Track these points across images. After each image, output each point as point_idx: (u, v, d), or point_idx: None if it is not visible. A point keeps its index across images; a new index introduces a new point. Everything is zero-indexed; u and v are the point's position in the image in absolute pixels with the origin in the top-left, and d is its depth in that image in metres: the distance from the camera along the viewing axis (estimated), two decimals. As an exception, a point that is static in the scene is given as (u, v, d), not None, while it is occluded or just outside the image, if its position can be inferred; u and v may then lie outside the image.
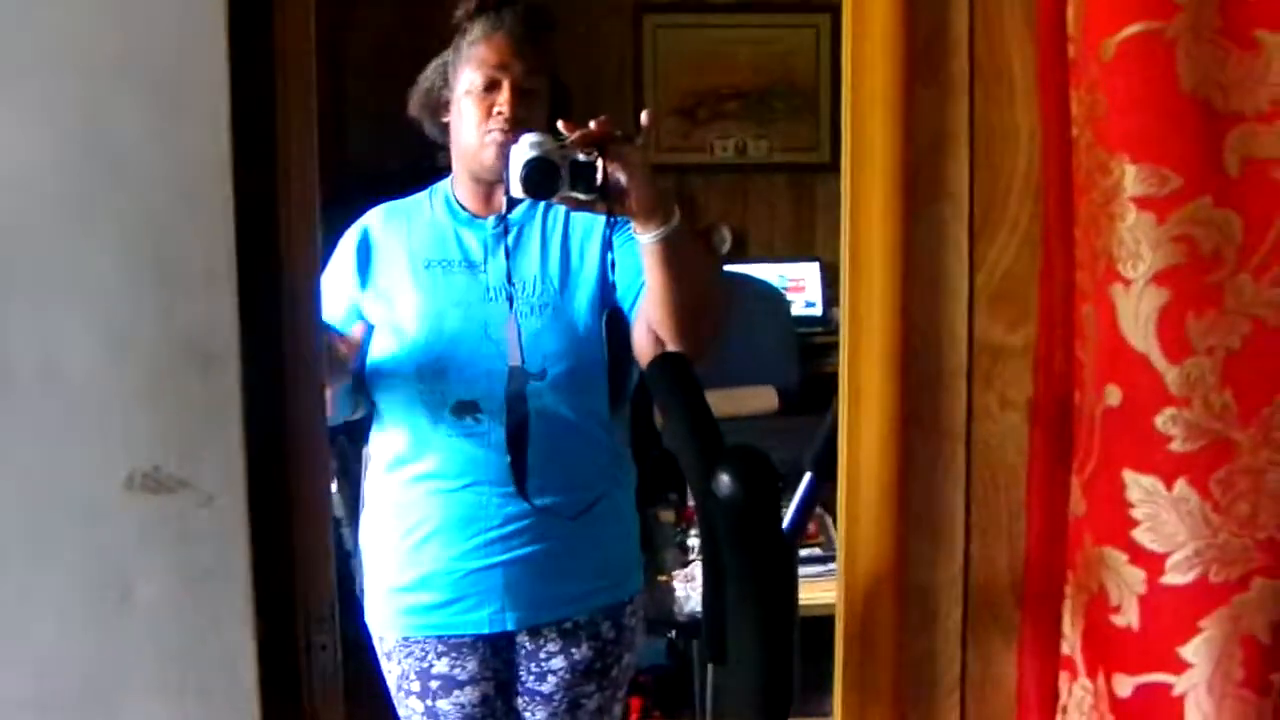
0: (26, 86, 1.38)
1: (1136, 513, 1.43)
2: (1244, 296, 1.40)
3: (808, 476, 1.86)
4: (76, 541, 1.44)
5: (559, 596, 2.60)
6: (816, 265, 6.17)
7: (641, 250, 2.35)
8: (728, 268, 5.77)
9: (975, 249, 1.56)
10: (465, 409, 2.52)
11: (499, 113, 2.48)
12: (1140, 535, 1.44)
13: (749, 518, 1.30)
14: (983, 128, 1.55)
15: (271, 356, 1.51)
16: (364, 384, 2.59)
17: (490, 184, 2.54)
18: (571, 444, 2.56)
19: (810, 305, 6.12)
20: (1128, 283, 1.40)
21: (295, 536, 1.56)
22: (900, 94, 1.51)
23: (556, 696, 2.65)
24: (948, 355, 1.57)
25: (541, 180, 2.30)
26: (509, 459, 2.49)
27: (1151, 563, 1.44)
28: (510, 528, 2.54)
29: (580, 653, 2.63)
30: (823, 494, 1.86)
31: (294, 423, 1.55)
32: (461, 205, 2.61)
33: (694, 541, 3.73)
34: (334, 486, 3.02)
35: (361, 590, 2.74)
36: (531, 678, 2.65)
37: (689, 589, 3.60)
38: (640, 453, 2.78)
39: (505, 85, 2.49)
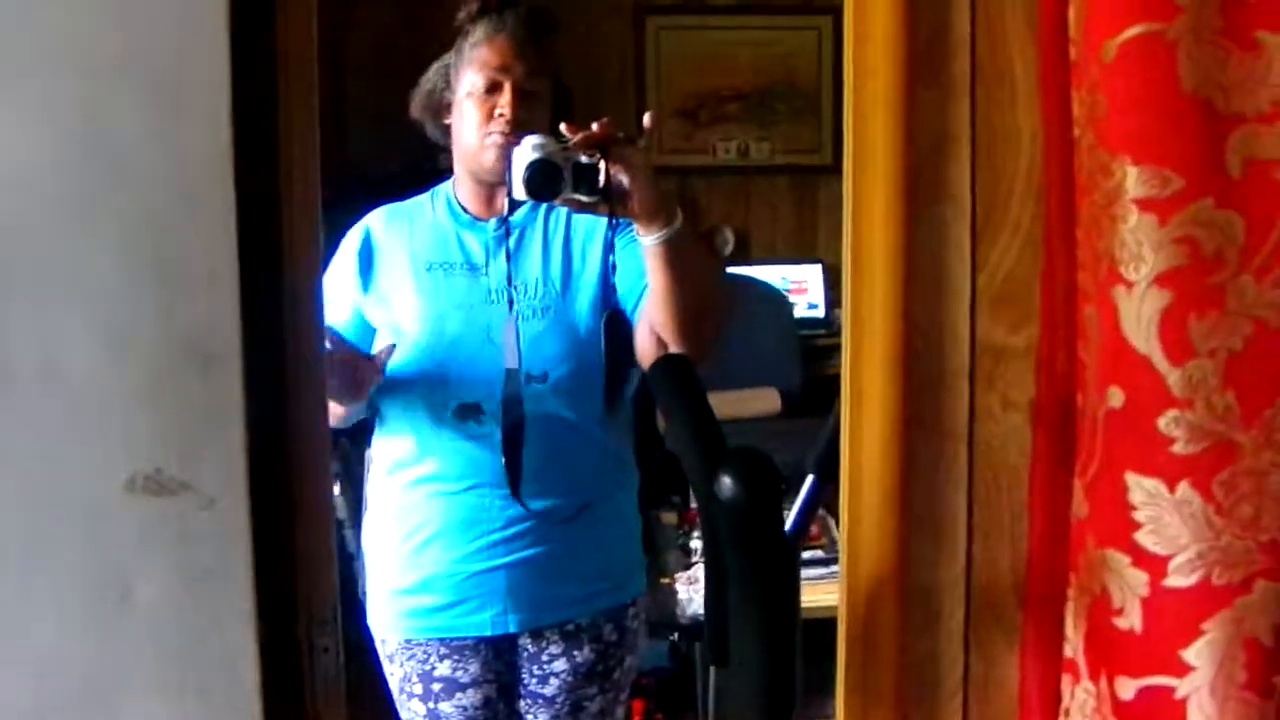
0: (27, 86, 1.38)
1: (1139, 515, 1.43)
2: (1246, 298, 1.39)
3: (810, 478, 1.86)
4: (77, 543, 1.43)
5: (561, 598, 2.60)
6: (819, 267, 6.17)
7: (644, 252, 2.35)
8: (730, 269, 5.77)
9: (977, 250, 1.56)
10: (467, 411, 2.53)
11: (500, 115, 2.48)
12: (1143, 537, 1.43)
13: (751, 520, 1.30)
14: (984, 129, 1.55)
15: (273, 357, 1.50)
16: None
17: (492, 186, 2.54)
18: (572, 446, 2.56)
19: (813, 307, 6.12)
20: (1130, 284, 1.40)
21: (297, 538, 1.56)
22: (902, 96, 1.51)
23: (559, 699, 2.65)
24: (950, 356, 1.57)
25: (544, 182, 2.30)
26: (503, 461, 2.49)
27: (1154, 565, 1.43)
28: (512, 530, 2.54)
29: (582, 655, 2.63)
30: (825, 496, 1.86)
31: (295, 424, 1.54)
32: (463, 207, 2.61)
33: (696, 544, 3.73)
34: (336, 489, 3.03)
35: (364, 593, 2.74)
36: (534, 680, 2.65)
37: (691, 591, 3.60)
38: (643, 455, 2.79)
39: (507, 87, 2.49)
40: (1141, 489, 1.42)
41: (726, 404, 3.61)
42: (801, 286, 6.11)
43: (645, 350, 2.45)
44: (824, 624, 1.69)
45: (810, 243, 6.36)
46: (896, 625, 1.58)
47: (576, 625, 2.62)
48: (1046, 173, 1.52)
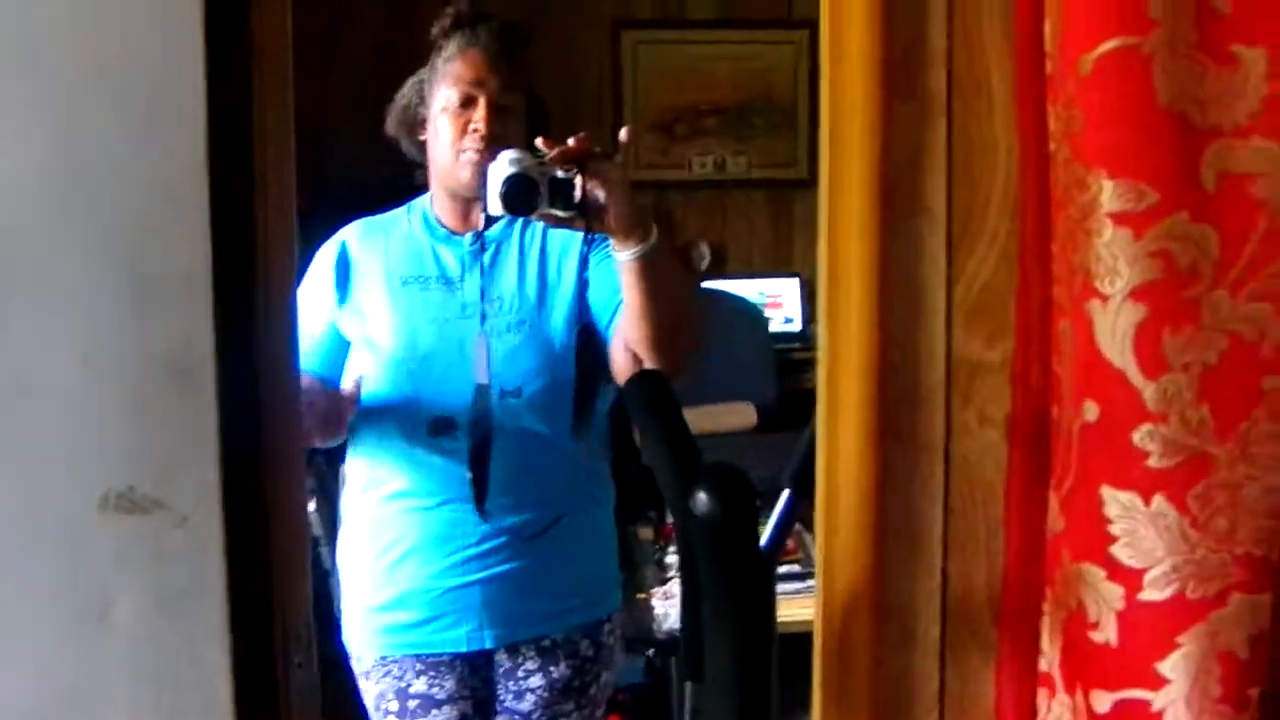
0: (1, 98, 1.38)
1: (1114, 529, 1.43)
2: (1220, 312, 1.40)
3: (786, 493, 1.85)
4: (52, 563, 1.42)
5: (537, 614, 2.60)
6: (796, 281, 6.18)
7: (619, 268, 2.34)
8: (706, 284, 5.77)
9: (953, 263, 1.56)
10: (441, 427, 2.52)
11: (475, 129, 2.48)
12: (1118, 551, 1.43)
13: (726, 536, 1.30)
14: (961, 142, 1.55)
15: (247, 373, 1.50)
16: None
17: (468, 201, 2.54)
18: (546, 461, 2.55)
19: (789, 321, 6.12)
20: (1105, 298, 1.40)
21: (271, 554, 1.55)
22: (878, 109, 1.51)
23: (535, 715, 2.64)
24: (926, 370, 1.57)
25: (520, 197, 2.30)
26: (470, 476, 2.49)
27: (1129, 579, 1.43)
28: (487, 545, 2.53)
29: (558, 671, 2.63)
30: (801, 511, 1.86)
31: (269, 440, 1.54)
32: (439, 222, 2.61)
33: (672, 559, 3.72)
34: (311, 505, 3.01)
35: (339, 610, 2.74)
36: (510, 696, 2.64)
37: (667, 607, 3.60)
38: (619, 470, 2.78)
39: (481, 102, 2.49)
40: (1117, 502, 1.42)
41: (702, 418, 3.61)
42: (777, 301, 6.12)
43: (620, 366, 2.45)
44: (800, 639, 1.68)
45: (786, 257, 6.37)
46: (872, 640, 1.58)
47: (552, 641, 2.62)
48: (1022, 186, 1.52)
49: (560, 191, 2.30)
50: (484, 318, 2.50)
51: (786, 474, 1.85)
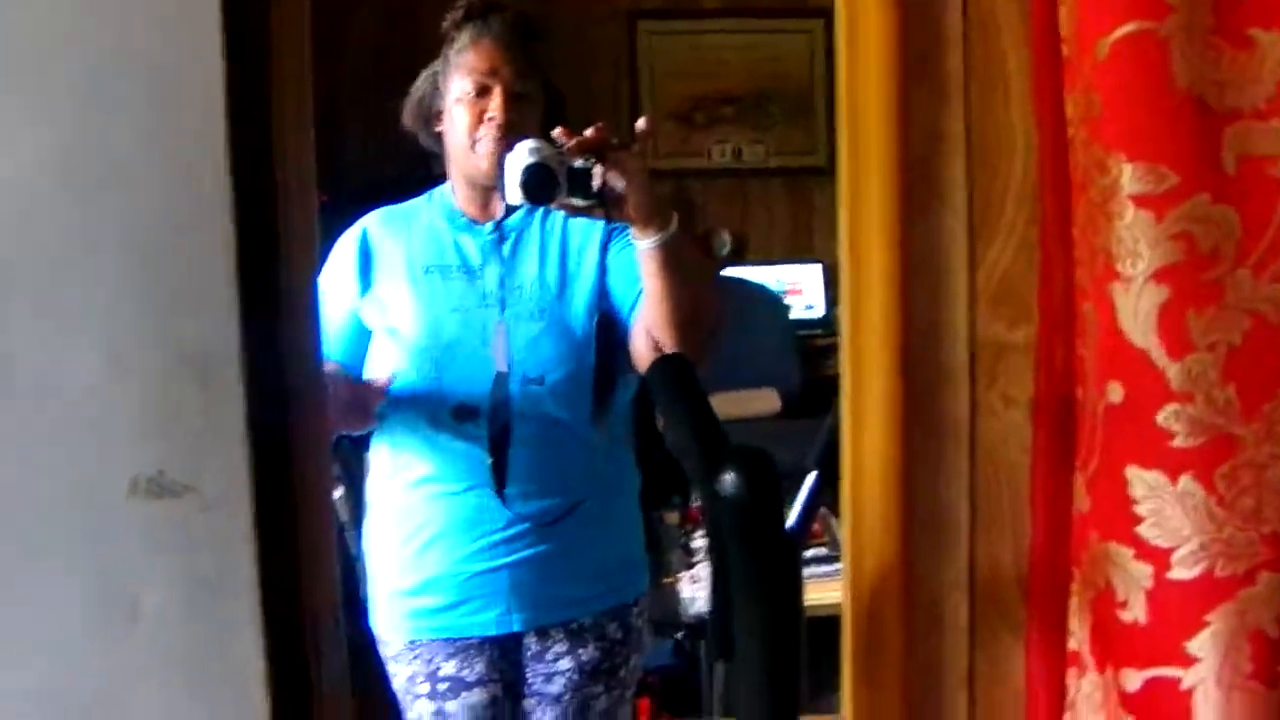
0: (18, 92, 1.38)
1: (1141, 509, 1.44)
2: (1244, 292, 1.40)
3: (812, 476, 1.86)
4: (82, 551, 1.43)
5: (565, 598, 2.60)
6: (818, 267, 6.17)
7: (639, 256, 2.35)
8: (727, 272, 5.76)
9: (974, 248, 1.56)
10: (465, 414, 2.53)
11: (491, 118, 2.48)
12: (1145, 531, 1.44)
13: (754, 515, 1.30)
14: (979, 128, 1.55)
15: (272, 360, 1.51)
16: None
17: (487, 190, 2.54)
18: (567, 448, 2.56)
19: (810, 308, 6.13)
20: (1127, 280, 1.41)
21: (300, 540, 1.56)
22: (896, 97, 1.52)
23: (564, 698, 2.64)
24: (949, 354, 1.58)
25: (539, 186, 2.30)
26: (490, 463, 2.50)
27: (1157, 558, 1.44)
28: (514, 530, 2.54)
29: (587, 654, 2.63)
30: (826, 494, 1.87)
31: (295, 426, 1.55)
32: (460, 211, 2.61)
33: (698, 543, 3.73)
34: (337, 492, 3.02)
35: (366, 595, 2.74)
36: (539, 679, 2.65)
37: (694, 590, 3.60)
38: (644, 456, 2.79)
39: (496, 91, 2.49)
40: (1143, 482, 1.43)
41: (725, 405, 3.60)
42: (797, 287, 6.12)
43: (642, 354, 2.45)
44: (827, 621, 1.69)
45: (806, 244, 6.37)
46: (901, 622, 1.58)
47: (581, 624, 2.62)
48: (1041, 170, 1.53)
49: (579, 181, 2.30)
50: (503, 306, 2.51)
51: (811, 458, 1.86)
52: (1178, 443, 1.41)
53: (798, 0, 6.32)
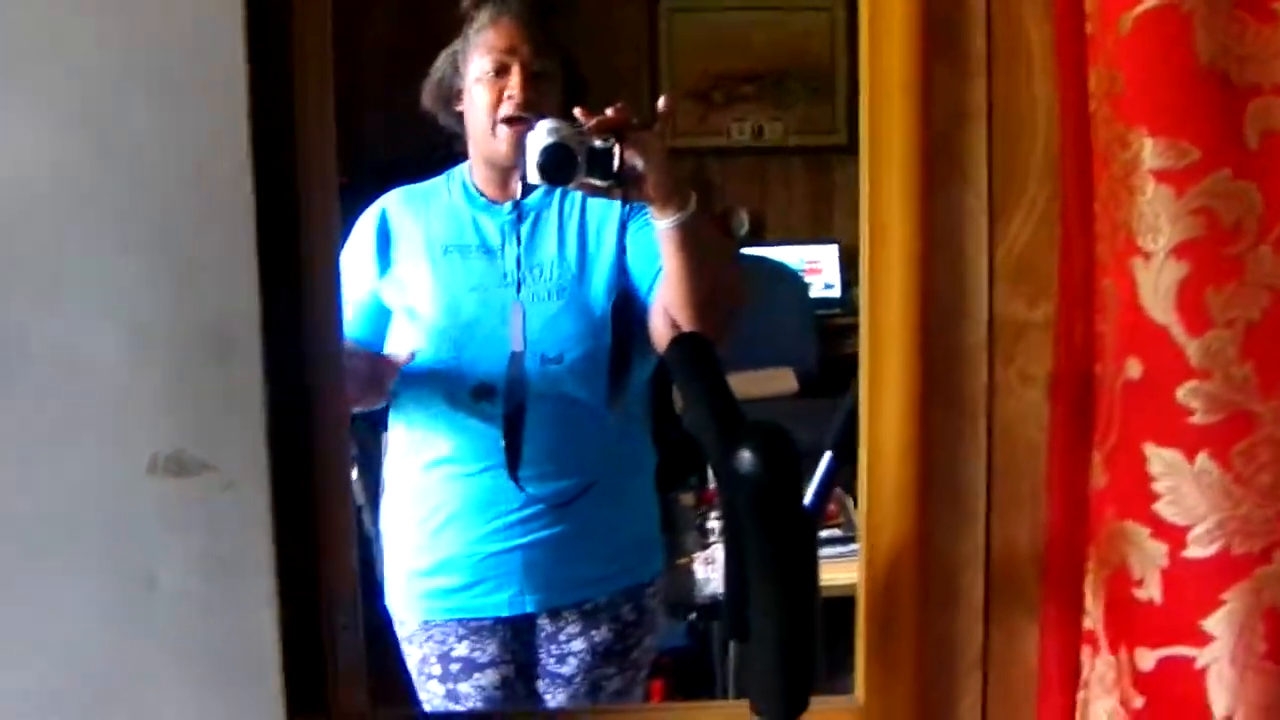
0: (44, 80, 1.39)
1: (1158, 486, 1.43)
2: (1264, 268, 1.40)
3: (827, 456, 1.86)
4: (101, 529, 1.44)
5: (578, 579, 2.61)
6: (835, 248, 6.16)
7: (658, 236, 2.35)
8: (745, 250, 5.76)
9: (995, 225, 1.56)
10: (482, 393, 2.53)
11: (510, 97, 2.49)
12: (1162, 508, 1.44)
13: (771, 493, 1.30)
14: (1001, 104, 1.55)
15: (292, 340, 1.51)
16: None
17: (506, 170, 2.54)
18: (583, 428, 2.56)
19: (829, 287, 6.11)
20: (1147, 256, 1.40)
21: (318, 519, 1.57)
22: (918, 72, 1.51)
23: (577, 679, 2.65)
24: (968, 331, 1.57)
25: (558, 166, 2.31)
26: (504, 443, 2.50)
27: (1173, 536, 1.44)
28: (528, 511, 2.54)
29: (600, 635, 2.64)
30: (843, 474, 1.86)
31: (315, 406, 1.55)
32: (479, 190, 2.61)
33: (714, 524, 3.73)
34: (354, 473, 3.03)
35: (382, 575, 2.75)
36: (552, 660, 2.65)
37: (709, 571, 3.60)
38: (660, 436, 2.79)
39: (515, 69, 2.49)
40: (1160, 460, 1.43)
41: (742, 384, 3.59)
42: (816, 267, 6.10)
43: (661, 333, 2.46)
44: (842, 602, 1.69)
45: (825, 223, 6.34)
46: (916, 600, 1.58)
47: (594, 605, 2.63)
48: (1063, 146, 1.52)
49: (598, 161, 2.30)
50: (520, 286, 2.51)
51: (828, 437, 1.85)
52: (1195, 419, 1.40)
53: (819, -23, 6.30)
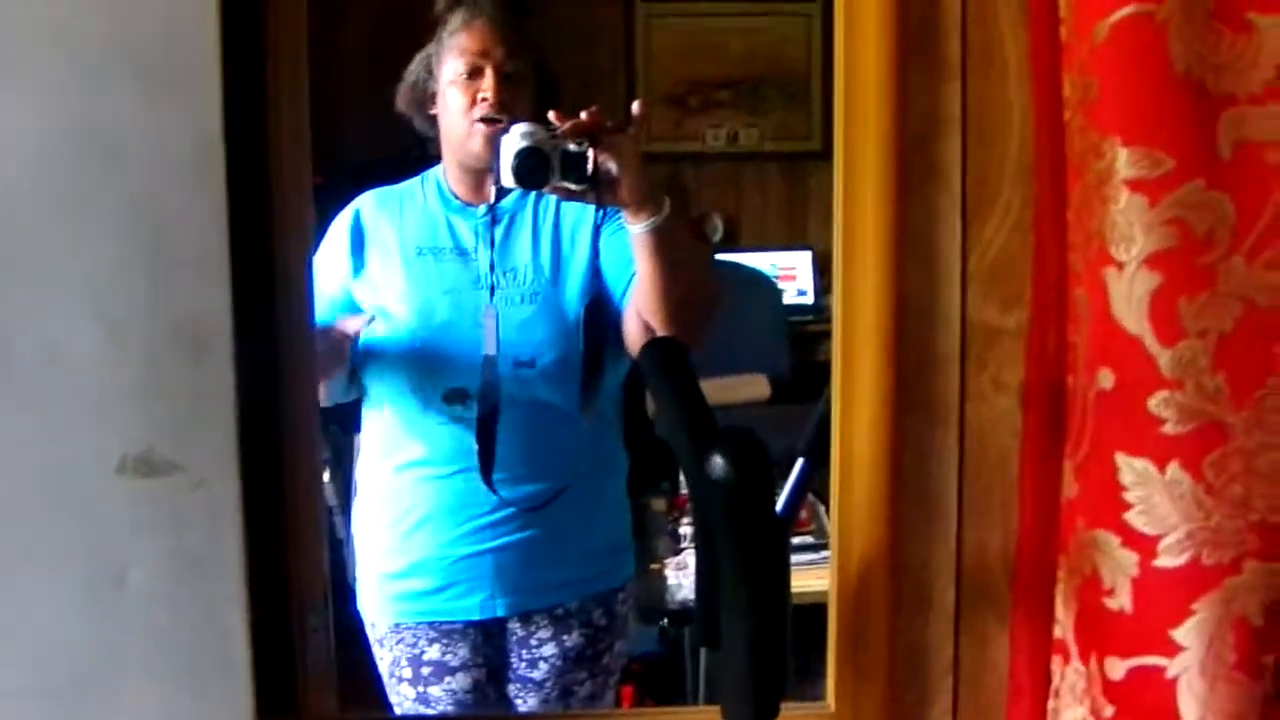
0: (18, 73, 1.38)
1: (1129, 495, 1.44)
2: (1236, 279, 1.40)
3: (800, 463, 1.86)
4: (71, 527, 1.44)
5: (549, 583, 2.61)
6: (809, 254, 6.16)
7: (632, 240, 2.35)
8: (719, 256, 5.75)
9: (968, 231, 1.56)
10: (455, 396, 2.53)
11: (484, 99, 2.48)
12: (1133, 518, 1.44)
13: (742, 498, 1.30)
14: (976, 110, 1.55)
15: (264, 340, 1.50)
16: (356, 369, 2.58)
17: (480, 172, 2.54)
18: (555, 432, 2.56)
19: (802, 294, 6.11)
20: (1120, 265, 1.40)
21: (288, 519, 1.57)
22: (893, 76, 1.51)
23: (548, 683, 2.65)
24: (941, 338, 1.57)
25: (532, 170, 2.31)
26: (477, 447, 2.50)
27: (1144, 545, 1.44)
28: (500, 514, 2.54)
29: (571, 640, 2.64)
30: (815, 480, 1.86)
31: (286, 406, 1.55)
32: (453, 193, 2.61)
33: (686, 530, 3.73)
34: (326, 475, 3.02)
35: (354, 578, 2.75)
36: (523, 664, 2.65)
37: (681, 577, 3.60)
38: (633, 441, 2.79)
39: (488, 71, 2.49)
40: (1132, 470, 1.43)
41: (715, 390, 3.59)
42: (790, 273, 6.10)
43: (634, 337, 2.46)
44: (813, 610, 1.69)
45: (800, 230, 6.34)
46: (887, 607, 1.58)
47: (565, 610, 2.63)
48: (1037, 154, 1.52)
49: (572, 165, 2.30)
50: (494, 289, 2.51)
51: (801, 443, 1.85)
52: (1167, 430, 1.41)
53: (796, -18, 6.31)
